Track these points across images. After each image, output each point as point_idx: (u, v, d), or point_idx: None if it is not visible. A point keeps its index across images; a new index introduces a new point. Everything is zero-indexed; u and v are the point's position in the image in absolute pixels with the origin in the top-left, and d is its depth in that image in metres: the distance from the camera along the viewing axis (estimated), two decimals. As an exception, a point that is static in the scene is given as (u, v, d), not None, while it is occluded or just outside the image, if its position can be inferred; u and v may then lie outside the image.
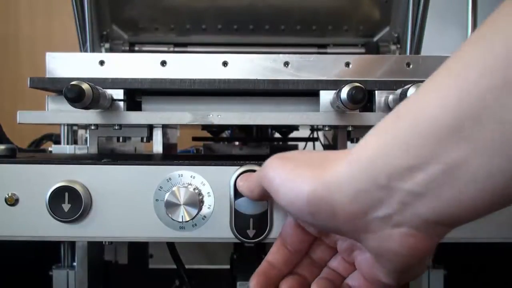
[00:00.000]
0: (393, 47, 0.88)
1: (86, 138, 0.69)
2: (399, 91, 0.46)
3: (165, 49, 0.89)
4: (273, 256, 0.39)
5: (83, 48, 0.81)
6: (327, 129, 0.51)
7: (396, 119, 0.28)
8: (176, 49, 0.89)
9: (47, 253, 0.65)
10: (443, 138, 0.25)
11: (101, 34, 0.86)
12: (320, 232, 0.38)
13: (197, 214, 0.41)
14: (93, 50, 0.81)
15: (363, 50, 0.89)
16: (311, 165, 0.32)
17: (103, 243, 0.47)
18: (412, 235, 0.28)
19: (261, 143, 0.74)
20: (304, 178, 0.31)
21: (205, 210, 0.43)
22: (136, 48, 0.90)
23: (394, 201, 0.28)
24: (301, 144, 0.90)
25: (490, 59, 0.24)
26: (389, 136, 0.28)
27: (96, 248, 0.69)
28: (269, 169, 0.35)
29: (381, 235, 0.29)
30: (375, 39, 0.91)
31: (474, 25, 0.73)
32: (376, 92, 0.49)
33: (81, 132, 0.75)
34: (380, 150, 0.28)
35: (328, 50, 0.89)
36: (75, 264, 0.64)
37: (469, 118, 0.24)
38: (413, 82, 0.44)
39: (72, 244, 0.65)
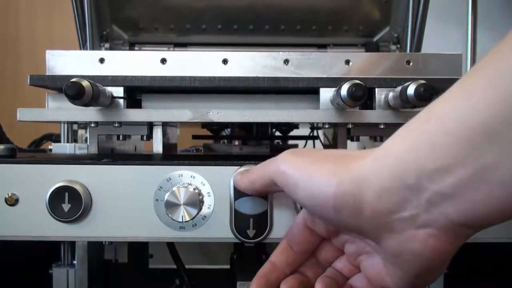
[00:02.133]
0: (393, 47, 0.88)
1: (86, 138, 0.69)
2: (399, 88, 0.46)
3: (165, 49, 0.89)
4: (277, 257, 0.39)
5: (83, 48, 0.81)
6: (327, 126, 0.51)
7: (426, 120, 0.28)
8: (176, 49, 0.90)
9: (47, 251, 0.65)
10: (473, 140, 0.25)
11: (101, 34, 0.86)
12: (329, 232, 0.37)
13: (197, 214, 0.41)
14: (93, 50, 0.81)
15: (363, 50, 0.89)
16: (332, 161, 0.32)
17: (103, 243, 0.47)
18: (437, 236, 0.28)
19: (261, 143, 0.74)
20: (328, 171, 0.31)
21: (205, 210, 0.43)
22: (136, 48, 0.90)
23: (422, 201, 0.28)
24: (301, 143, 0.90)
25: None
26: (418, 136, 0.28)
27: (96, 247, 0.69)
28: (282, 162, 0.34)
29: (405, 236, 0.29)
30: (375, 39, 0.91)
31: (474, 25, 0.73)
32: (376, 89, 0.49)
33: (81, 132, 0.75)
34: (408, 150, 0.28)
35: (328, 50, 0.89)
36: (75, 262, 0.64)
37: (501, 122, 0.24)
38: (413, 80, 0.44)
39: (72, 243, 0.65)
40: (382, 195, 0.29)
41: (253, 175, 0.38)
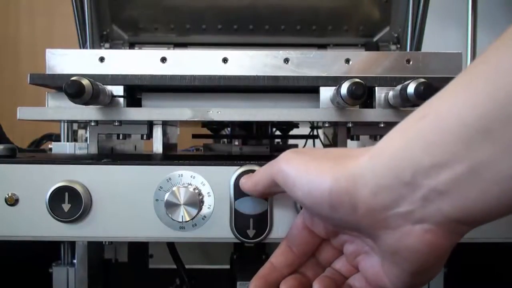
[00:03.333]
0: (393, 47, 0.88)
1: (86, 138, 0.69)
2: (399, 87, 0.46)
3: (165, 49, 0.89)
4: (277, 258, 0.39)
5: (83, 48, 0.81)
6: (327, 125, 0.51)
7: (421, 117, 0.28)
8: (176, 49, 0.90)
9: (47, 250, 0.65)
10: (470, 137, 0.25)
11: (101, 34, 0.86)
12: (329, 233, 0.37)
13: (197, 214, 0.41)
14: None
15: (363, 50, 0.89)
16: (330, 158, 0.32)
17: (103, 243, 0.47)
18: (433, 232, 0.28)
19: (261, 143, 0.74)
20: (325, 169, 0.31)
21: (205, 210, 0.43)
22: (136, 48, 0.90)
23: (417, 197, 0.28)
24: (301, 142, 0.90)
25: None
26: (414, 133, 0.28)
27: (96, 246, 0.69)
28: (283, 162, 0.35)
29: (401, 231, 0.29)
30: (375, 39, 0.91)
31: (474, 25, 0.73)
32: (376, 88, 0.49)
33: (81, 132, 0.75)
34: (404, 147, 0.28)
35: (328, 50, 0.89)
36: (75, 261, 0.64)
37: (498, 119, 0.24)
38: (413, 78, 0.44)
39: (72, 242, 0.65)
40: (378, 191, 0.29)
41: (256, 177, 0.39)
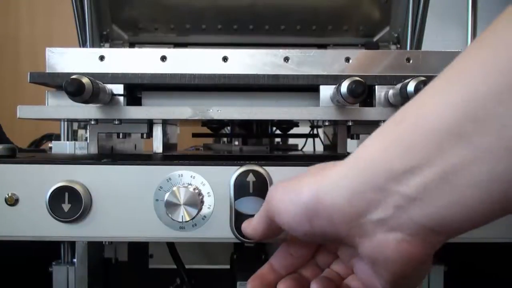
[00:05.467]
0: (393, 47, 0.88)
1: (86, 138, 0.69)
2: (399, 86, 0.46)
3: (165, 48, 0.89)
4: (276, 259, 0.39)
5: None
6: (327, 124, 0.51)
7: (397, 122, 0.28)
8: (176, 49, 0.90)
9: (47, 250, 0.65)
10: (442, 141, 0.25)
11: (101, 34, 0.86)
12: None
13: (197, 214, 0.41)
14: (93, 49, 0.81)
15: (363, 50, 0.89)
16: (312, 174, 0.32)
17: (103, 242, 0.47)
18: (407, 242, 0.28)
19: (261, 142, 0.74)
20: (304, 185, 0.31)
21: (205, 210, 0.43)
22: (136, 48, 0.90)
23: (390, 204, 0.27)
24: (301, 141, 0.90)
25: (493, 64, 0.24)
26: (389, 138, 0.27)
27: (96, 245, 0.69)
28: (272, 192, 0.34)
29: (376, 240, 0.28)
30: (375, 39, 0.90)
31: (474, 25, 0.73)
32: (376, 87, 0.49)
33: (81, 132, 0.75)
34: (380, 152, 0.28)
35: (328, 49, 0.89)
36: (75, 261, 0.64)
37: (471, 121, 0.24)
38: (412, 77, 0.44)
39: (72, 242, 0.65)
40: (352, 198, 0.28)
41: (254, 220, 0.37)
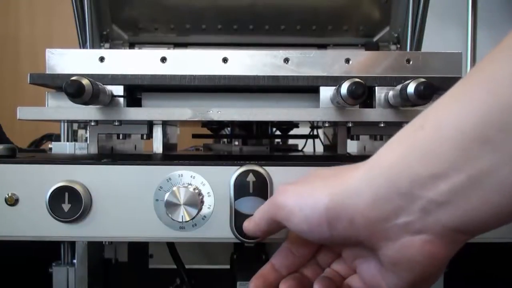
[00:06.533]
0: (393, 47, 0.88)
1: (86, 138, 0.69)
2: (399, 87, 0.46)
3: (165, 49, 0.89)
4: (277, 259, 0.39)
5: (83, 48, 0.81)
6: (327, 125, 0.51)
7: (419, 127, 0.28)
8: (176, 49, 0.89)
9: (47, 250, 0.65)
10: (468, 147, 0.25)
11: (101, 34, 0.86)
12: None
13: (197, 214, 0.41)
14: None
15: (363, 50, 0.89)
16: (324, 178, 0.32)
17: (103, 243, 0.47)
18: (433, 243, 0.28)
19: (261, 143, 0.74)
20: (319, 189, 0.31)
21: (205, 210, 0.43)
22: (136, 48, 0.90)
23: (415, 208, 0.28)
24: (301, 142, 0.90)
25: None
26: (411, 144, 0.28)
27: (96, 246, 0.69)
28: (279, 195, 0.34)
29: (401, 243, 0.29)
30: (375, 39, 0.90)
31: (474, 25, 0.73)
32: (376, 88, 0.49)
33: (81, 132, 0.75)
34: (402, 158, 0.28)
35: (328, 50, 0.89)
36: (75, 261, 0.64)
37: (496, 128, 0.24)
38: (413, 78, 0.44)
39: (72, 242, 0.65)
40: (375, 203, 0.29)
41: (256, 217, 0.38)
